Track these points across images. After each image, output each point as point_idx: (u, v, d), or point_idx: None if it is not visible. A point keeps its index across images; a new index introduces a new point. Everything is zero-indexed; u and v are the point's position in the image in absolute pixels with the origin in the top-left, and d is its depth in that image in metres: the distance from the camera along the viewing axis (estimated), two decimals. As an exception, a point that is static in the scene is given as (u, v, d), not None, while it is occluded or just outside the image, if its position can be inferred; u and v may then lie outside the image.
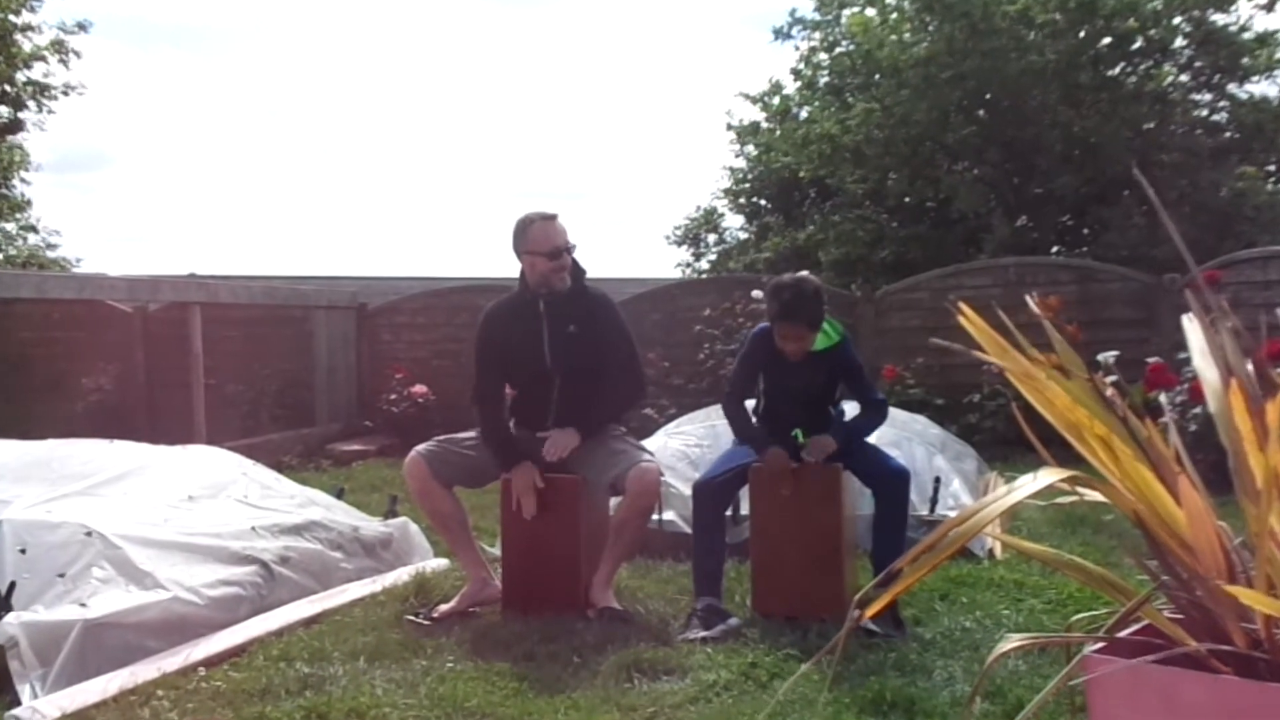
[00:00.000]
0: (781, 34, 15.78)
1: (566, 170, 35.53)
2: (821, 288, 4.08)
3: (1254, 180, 12.91)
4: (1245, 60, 13.41)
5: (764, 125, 17.03)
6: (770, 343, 4.12)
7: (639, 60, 36.57)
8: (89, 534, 3.71)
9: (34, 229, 17.07)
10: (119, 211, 32.01)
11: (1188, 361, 2.27)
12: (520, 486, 4.04)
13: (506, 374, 4.30)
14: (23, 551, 3.61)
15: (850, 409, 4.23)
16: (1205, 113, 14.12)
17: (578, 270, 4.19)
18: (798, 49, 16.03)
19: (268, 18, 34.24)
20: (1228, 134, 13.81)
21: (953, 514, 4.65)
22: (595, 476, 4.09)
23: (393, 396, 10.08)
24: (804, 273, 4.14)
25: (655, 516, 4.25)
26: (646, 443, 4.63)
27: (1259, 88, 14.30)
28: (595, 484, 4.11)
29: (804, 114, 16.23)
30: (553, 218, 4.13)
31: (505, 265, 4.80)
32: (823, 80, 15.74)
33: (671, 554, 4.78)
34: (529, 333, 4.14)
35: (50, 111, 15.50)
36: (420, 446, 4.17)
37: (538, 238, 4.10)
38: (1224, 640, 1.74)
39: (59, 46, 15.19)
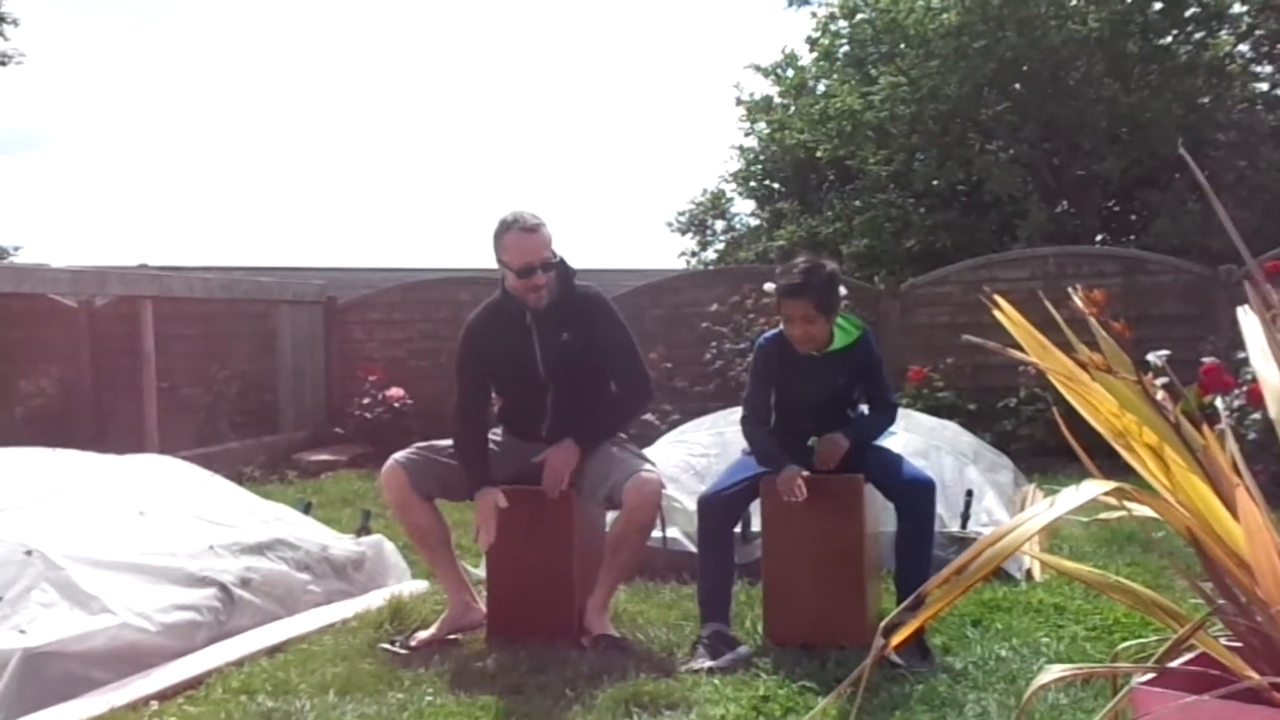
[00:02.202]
0: (796, -1, 15.82)
1: (557, 149, 35.56)
2: (838, 273, 4.11)
3: (1320, 161, 12.93)
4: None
5: (777, 100, 17.03)
6: (779, 349, 4.11)
7: (637, 28, 36.61)
8: (29, 553, 3.71)
9: (-33, 215, 17.09)
10: (63, 196, 32.04)
11: (1246, 362, 2.28)
12: (482, 514, 4.04)
13: (497, 388, 4.30)
14: (-45, 572, 3.60)
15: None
16: (1266, 86, 14.13)
17: (566, 271, 4.17)
18: (814, 15, 16.05)
19: (227, -19, 34.26)
20: (1291, 110, 13.82)
21: (986, 531, 4.65)
22: (590, 488, 4.09)
23: (365, 400, 10.08)
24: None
25: (657, 533, 4.25)
26: (648, 452, 4.63)
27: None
28: (590, 496, 4.11)
29: (821, 88, 16.24)
30: (534, 229, 4.04)
31: (489, 255, 4.79)
32: (842, 50, 15.75)
33: (675, 575, 4.78)
34: (518, 345, 4.12)
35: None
36: (399, 454, 4.18)
37: (510, 249, 4.05)
38: (1287, 671, 1.74)
39: (-4, 13, 15.18)
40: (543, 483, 4.02)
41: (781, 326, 4.11)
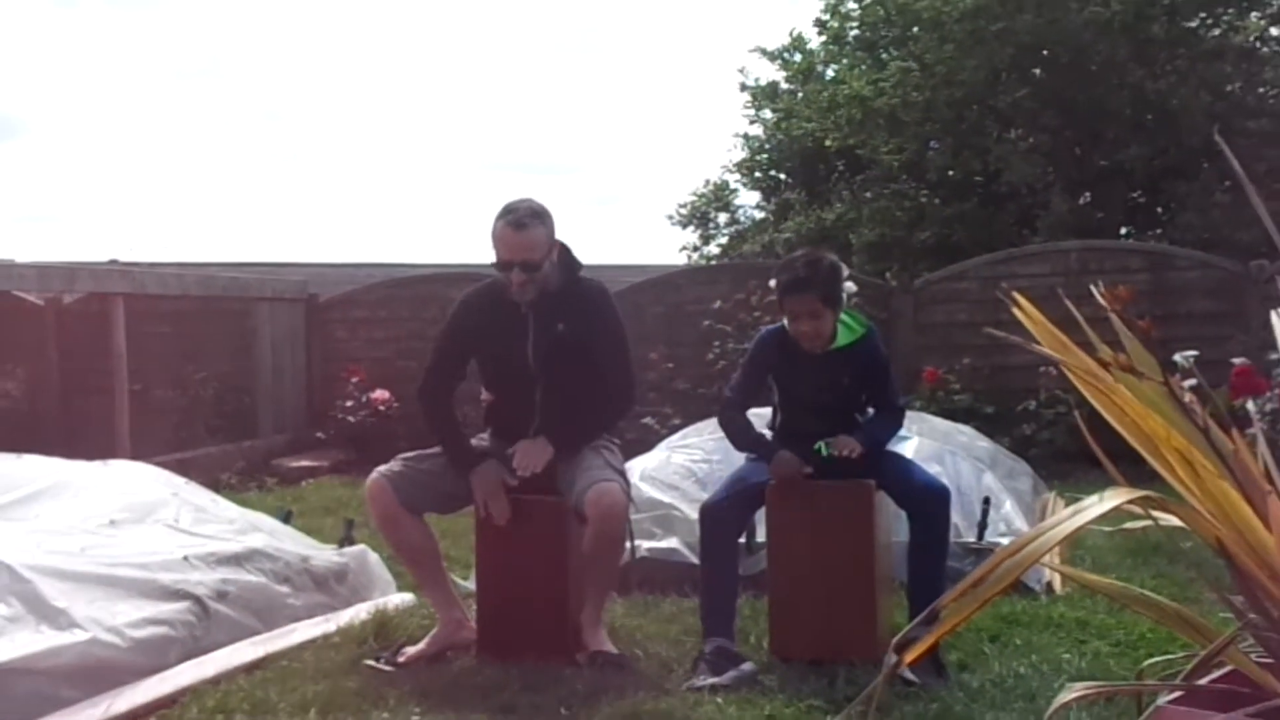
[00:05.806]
0: (804, -21, 15.86)
1: (552, 139, 35.56)
2: (839, 264, 4.12)
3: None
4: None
5: (784, 86, 17.07)
6: (781, 343, 4.12)
7: (636, 8, 36.64)
8: (-7, 565, 3.71)
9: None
10: (30, 187, 32.02)
11: (1279, 363, 2.28)
12: (486, 489, 4.03)
13: (485, 379, 4.31)
14: (-85, 585, 3.61)
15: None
16: (1299, 72, 14.13)
17: (572, 262, 4.18)
18: (823, -4, 16.07)
19: (203, -40, 34.23)
20: (1327, 97, 13.83)
21: (1004, 541, 4.65)
22: (567, 494, 4.09)
23: (349, 404, 10.09)
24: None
25: (646, 545, 4.23)
26: (646, 457, 4.64)
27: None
28: (571, 506, 4.11)
29: (830, 73, 16.25)
30: (523, 227, 4.01)
31: (481, 251, 4.82)
32: (852, 33, 15.77)
33: (676, 588, 4.78)
34: (511, 330, 4.13)
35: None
36: (383, 468, 4.16)
37: (496, 238, 4.07)
38: (1322, 689, 1.74)
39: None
40: (514, 464, 4.02)
41: (786, 324, 4.11)
